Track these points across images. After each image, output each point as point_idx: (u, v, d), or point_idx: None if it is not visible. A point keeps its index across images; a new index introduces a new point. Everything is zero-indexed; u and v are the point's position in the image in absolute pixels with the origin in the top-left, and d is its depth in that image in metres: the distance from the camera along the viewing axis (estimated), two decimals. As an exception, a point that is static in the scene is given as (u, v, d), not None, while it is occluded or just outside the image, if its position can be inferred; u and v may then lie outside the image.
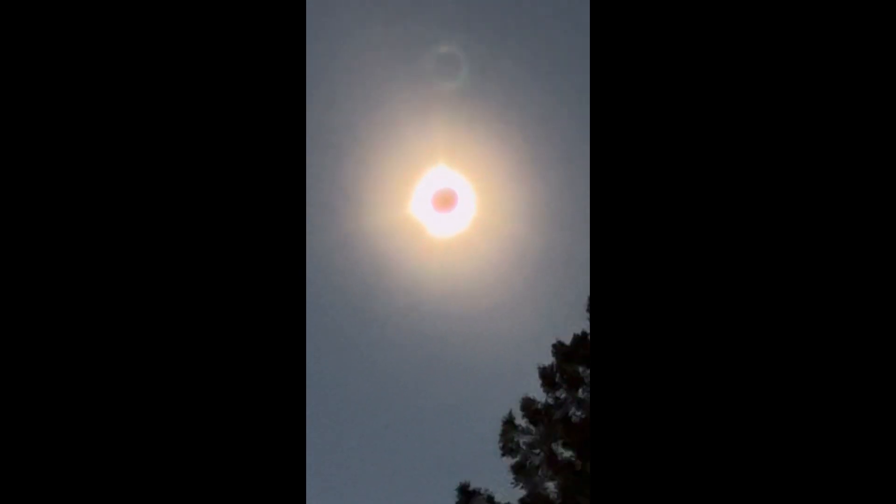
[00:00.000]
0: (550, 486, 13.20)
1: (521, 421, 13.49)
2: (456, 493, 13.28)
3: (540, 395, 13.58)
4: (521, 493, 13.25)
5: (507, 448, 13.37)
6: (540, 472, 13.25)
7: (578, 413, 13.36)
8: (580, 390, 13.34)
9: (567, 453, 13.24)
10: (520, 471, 13.30)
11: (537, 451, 13.34)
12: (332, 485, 17.51)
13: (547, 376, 13.40)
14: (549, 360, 13.64)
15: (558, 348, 13.40)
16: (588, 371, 13.30)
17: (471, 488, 13.29)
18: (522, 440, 13.40)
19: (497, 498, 13.32)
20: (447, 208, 17.92)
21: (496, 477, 13.52)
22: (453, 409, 18.60)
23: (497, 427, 13.64)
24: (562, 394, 13.38)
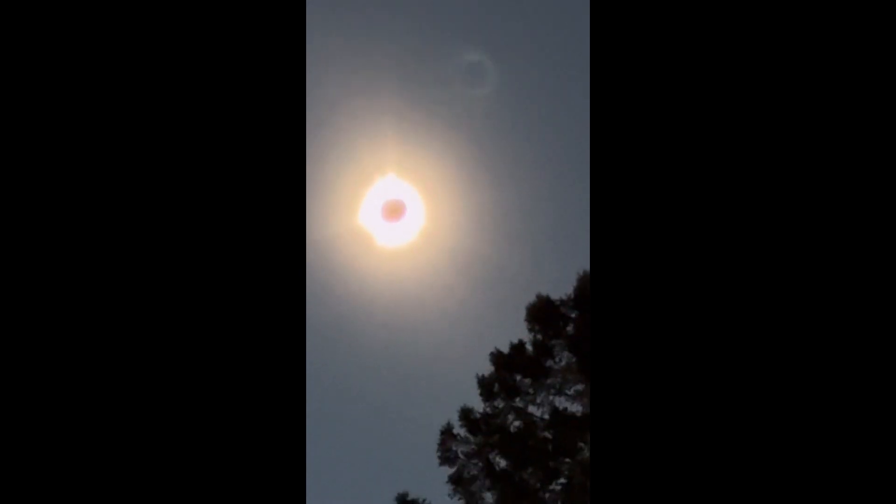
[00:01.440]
0: (489, 496, 13.16)
1: (459, 430, 13.43)
2: (394, 503, 13.19)
3: (480, 405, 13.56)
4: (459, 502, 13.21)
5: (445, 457, 13.30)
6: (478, 483, 13.19)
7: (516, 423, 13.34)
8: (517, 399, 13.32)
9: (504, 463, 13.20)
10: (458, 481, 13.24)
11: (475, 461, 13.29)
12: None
13: (485, 385, 13.36)
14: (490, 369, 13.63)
15: (496, 357, 13.36)
16: (526, 380, 13.29)
17: (409, 498, 13.21)
18: (460, 450, 13.34)
19: (436, 509, 13.26)
20: (396, 218, 17.92)
21: (436, 486, 13.48)
22: (396, 418, 18.54)
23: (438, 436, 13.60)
24: (500, 403, 13.34)
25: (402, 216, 17.86)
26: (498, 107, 18.31)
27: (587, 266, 13.47)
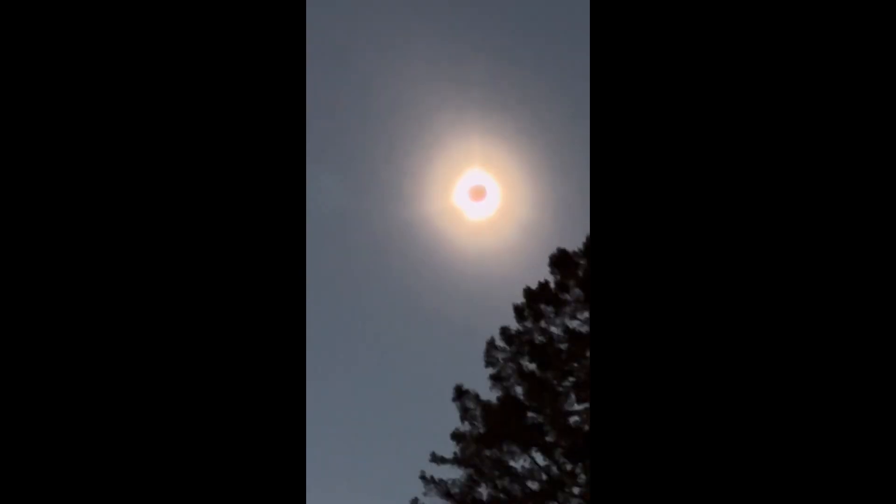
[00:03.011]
0: (518, 390, 18.23)
1: (500, 342, 18.55)
2: (453, 391, 18.57)
3: (515, 325, 18.67)
4: (497, 393, 18.38)
5: (489, 362, 18.32)
6: (510, 380, 18.30)
7: (540, 338, 18.36)
8: (542, 322, 18.32)
9: (531, 366, 18.25)
10: (497, 378, 18.34)
11: (510, 364, 18.39)
12: (359, 375, 23.31)
13: (519, 311, 18.32)
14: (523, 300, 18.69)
15: (528, 292, 18.33)
16: (548, 308, 18.29)
17: (464, 388, 18.33)
18: (500, 356, 18.39)
19: (482, 396, 18.49)
20: (480, 199, 23.26)
21: (484, 382, 18.65)
22: (464, 339, 23.78)
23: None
24: (529, 324, 18.40)
25: (485, 198, 23.15)
26: (560, 109, 23.28)
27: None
